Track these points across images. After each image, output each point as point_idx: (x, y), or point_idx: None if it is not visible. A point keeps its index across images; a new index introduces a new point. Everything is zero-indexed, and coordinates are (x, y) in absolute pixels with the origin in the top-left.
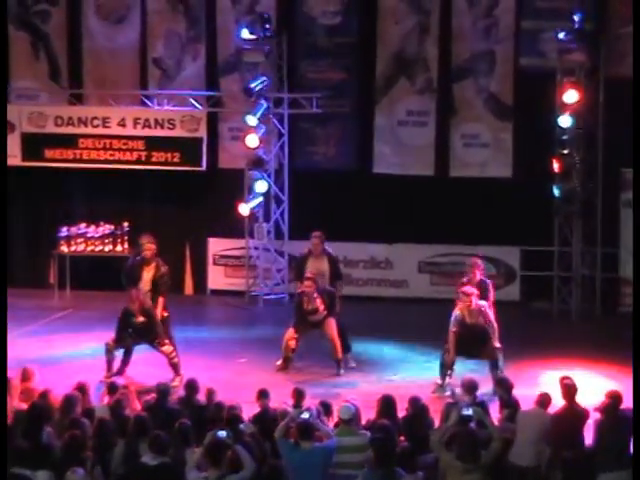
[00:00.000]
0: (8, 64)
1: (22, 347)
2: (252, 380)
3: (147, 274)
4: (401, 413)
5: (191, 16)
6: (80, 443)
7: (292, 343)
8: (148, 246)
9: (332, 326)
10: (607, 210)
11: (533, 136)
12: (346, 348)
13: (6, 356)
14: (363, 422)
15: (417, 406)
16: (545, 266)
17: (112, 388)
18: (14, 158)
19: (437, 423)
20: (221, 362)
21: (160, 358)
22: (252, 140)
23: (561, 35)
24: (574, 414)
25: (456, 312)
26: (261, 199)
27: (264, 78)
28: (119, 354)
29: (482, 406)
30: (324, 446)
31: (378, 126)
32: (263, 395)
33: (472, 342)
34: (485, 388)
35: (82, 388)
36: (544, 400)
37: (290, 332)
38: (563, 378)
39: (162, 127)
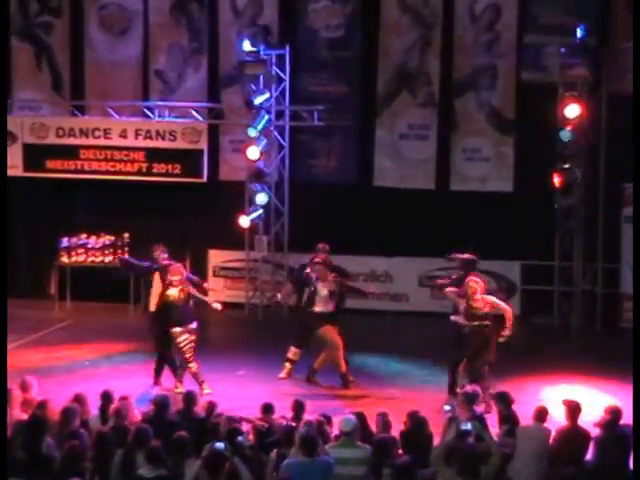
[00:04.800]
0: (10, 75)
1: (22, 357)
2: (251, 392)
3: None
4: (400, 427)
5: (193, 28)
6: (79, 454)
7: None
8: (163, 256)
9: (334, 333)
10: (608, 225)
11: (534, 150)
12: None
13: (6, 367)
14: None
15: (416, 420)
16: (546, 281)
17: (106, 398)
18: (16, 169)
19: (439, 438)
20: (220, 374)
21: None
22: (253, 152)
23: (563, 50)
24: (576, 435)
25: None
26: (261, 211)
27: (267, 94)
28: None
29: (481, 421)
30: (324, 460)
31: (379, 139)
32: (267, 409)
33: (479, 344)
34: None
35: (80, 399)
36: (541, 413)
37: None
38: (567, 399)
39: (163, 139)
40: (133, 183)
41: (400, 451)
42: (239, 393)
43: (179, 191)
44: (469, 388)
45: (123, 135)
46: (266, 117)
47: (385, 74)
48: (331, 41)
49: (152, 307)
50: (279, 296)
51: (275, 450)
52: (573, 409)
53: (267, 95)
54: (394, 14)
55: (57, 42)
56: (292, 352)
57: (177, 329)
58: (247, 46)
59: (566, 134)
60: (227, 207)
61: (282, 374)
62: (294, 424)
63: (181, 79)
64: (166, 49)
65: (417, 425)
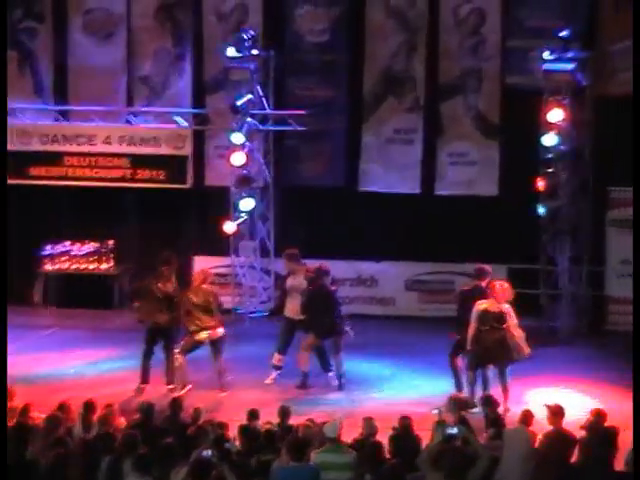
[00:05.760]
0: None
1: (7, 365)
2: (238, 398)
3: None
4: (386, 432)
5: (178, 33)
6: (64, 462)
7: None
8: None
9: (340, 342)
10: (593, 228)
11: (520, 154)
12: (327, 367)
13: (6, 367)
14: (349, 440)
15: (404, 424)
16: (532, 284)
17: (88, 407)
18: None
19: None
20: (207, 380)
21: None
22: (238, 158)
23: (548, 53)
24: (562, 438)
25: (478, 307)
26: (247, 217)
27: (250, 95)
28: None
29: (466, 424)
30: (312, 466)
31: (365, 144)
32: (253, 415)
33: (491, 343)
34: None
35: (64, 408)
36: (526, 417)
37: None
38: (549, 403)
39: (148, 145)
40: (117, 189)
41: (388, 456)
42: (225, 399)
43: (164, 197)
44: (454, 393)
45: (107, 141)
46: (251, 122)
47: (371, 78)
48: (317, 45)
49: None
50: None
51: (255, 456)
52: (555, 413)
53: (250, 96)
54: (379, 18)
55: (40, 48)
56: (276, 358)
57: None
58: (232, 51)
59: (551, 138)
60: (212, 213)
61: (268, 380)
62: (276, 429)
63: (166, 84)
64: (150, 54)
65: (406, 429)
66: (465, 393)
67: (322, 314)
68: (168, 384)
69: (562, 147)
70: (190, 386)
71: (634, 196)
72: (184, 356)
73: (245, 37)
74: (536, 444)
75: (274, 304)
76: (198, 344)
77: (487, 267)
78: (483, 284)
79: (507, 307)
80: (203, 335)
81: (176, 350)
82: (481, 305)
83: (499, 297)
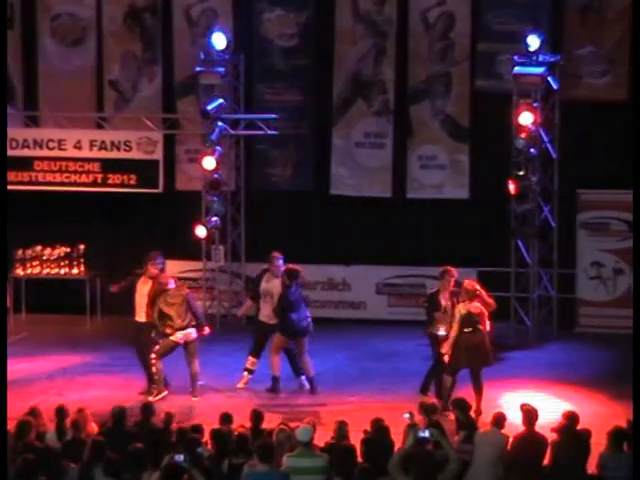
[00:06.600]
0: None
1: (7, 366)
2: (210, 402)
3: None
4: (358, 435)
5: (147, 38)
6: (33, 467)
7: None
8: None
9: (304, 344)
10: (563, 231)
11: (490, 157)
12: (298, 371)
13: (6, 367)
14: (321, 444)
15: (378, 427)
16: (502, 287)
17: (61, 413)
18: None
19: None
20: (179, 385)
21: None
22: (209, 162)
23: (516, 57)
24: (533, 441)
25: (460, 311)
26: (218, 221)
27: (221, 100)
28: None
29: (439, 428)
30: (282, 471)
31: (335, 148)
32: (226, 419)
33: (473, 346)
34: None
35: (34, 412)
36: (499, 419)
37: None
38: (524, 404)
39: (118, 149)
40: (88, 194)
41: (360, 459)
42: (197, 403)
43: (135, 202)
44: (426, 397)
45: (78, 146)
46: (222, 126)
47: (340, 82)
48: (286, 49)
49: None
50: (239, 314)
51: (226, 460)
52: (530, 414)
53: (220, 101)
54: (348, 23)
55: (9, 53)
56: (249, 362)
57: None
58: (201, 55)
59: (520, 141)
60: (184, 217)
61: (240, 384)
62: (247, 433)
63: (135, 89)
64: (120, 59)
65: (380, 432)
66: (431, 397)
67: (292, 315)
68: (148, 388)
69: (532, 150)
70: (166, 392)
71: (634, 196)
72: (160, 360)
73: (223, 40)
74: (508, 446)
75: (244, 310)
76: (174, 346)
77: (450, 268)
78: (450, 285)
79: (483, 308)
80: (179, 336)
81: (152, 355)
82: (463, 309)
83: (482, 295)
